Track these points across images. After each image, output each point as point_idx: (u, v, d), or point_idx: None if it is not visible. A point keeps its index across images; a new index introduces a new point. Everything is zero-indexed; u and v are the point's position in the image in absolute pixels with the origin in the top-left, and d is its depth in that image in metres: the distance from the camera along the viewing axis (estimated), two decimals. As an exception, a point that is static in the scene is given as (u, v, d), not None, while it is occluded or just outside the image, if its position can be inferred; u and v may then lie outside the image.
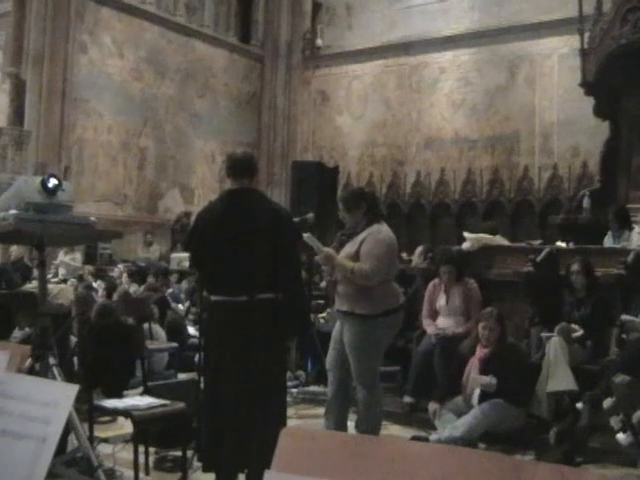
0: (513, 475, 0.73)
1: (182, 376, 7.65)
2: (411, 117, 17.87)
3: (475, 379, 6.17)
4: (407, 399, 7.16)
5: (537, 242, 8.78)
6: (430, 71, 17.71)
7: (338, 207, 5.66)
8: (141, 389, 5.41)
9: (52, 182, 4.30)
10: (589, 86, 11.10)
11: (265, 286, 4.36)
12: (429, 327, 7.38)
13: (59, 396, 1.07)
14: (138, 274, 11.88)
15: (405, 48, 17.86)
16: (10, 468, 1.00)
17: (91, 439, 4.62)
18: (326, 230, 7.73)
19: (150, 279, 11.49)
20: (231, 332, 4.35)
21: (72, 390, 1.09)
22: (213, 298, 4.46)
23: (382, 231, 5.38)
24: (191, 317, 10.06)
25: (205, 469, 4.57)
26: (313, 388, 7.99)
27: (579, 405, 5.94)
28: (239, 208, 4.48)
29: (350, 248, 5.34)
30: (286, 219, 4.61)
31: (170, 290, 11.50)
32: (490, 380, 6.05)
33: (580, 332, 6.71)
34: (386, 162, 18.01)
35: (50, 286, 7.62)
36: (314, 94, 19.58)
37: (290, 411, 6.76)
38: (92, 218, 4.80)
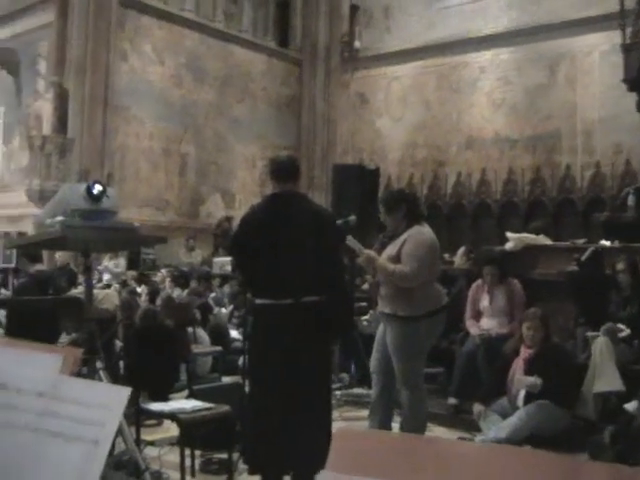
0: (568, 474, 0.72)
1: (226, 379, 7.68)
2: (451, 117, 17.78)
3: (520, 380, 6.10)
4: (451, 400, 7.12)
5: (581, 241, 8.67)
6: (470, 71, 17.61)
7: (379, 209, 5.65)
8: (186, 392, 5.44)
9: (97, 188, 4.40)
10: (631, 82, 10.95)
11: (310, 289, 4.36)
12: (473, 328, 7.34)
13: (112, 399, 1.08)
14: (181, 279, 11.93)
15: (443, 48, 17.77)
16: (62, 471, 1.02)
17: (138, 442, 4.66)
18: (367, 232, 7.69)
19: (193, 284, 11.56)
20: (276, 335, 4.35)
21: (124, 393, 1.10)
22: (258, 301, 4.47)
23: (423, 232, 5.36)
24: (235, 321, 10.08)
25: (251, 472, 4.57)
26: (357, 390, 7.97)
27: (627, 405, 5.85)
28: (283, 211, 4.48)
29: (391, 250, 5.33)
30: (330, 222, 4.61)
31: (213, 294, 11.54)
32: (535, 380, 5.98)
33: (626, 332, 6.62)
34: (426, 163, 17.95)
35: (95, 291, 7.68)
36: (353, 97, 19.57)
37: (334, 414, 6.74)
38: (136, 223, 4.91)
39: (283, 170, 4.57)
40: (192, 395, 5.33)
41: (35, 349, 1.30)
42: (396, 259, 5.23)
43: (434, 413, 6.46)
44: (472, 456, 0.76)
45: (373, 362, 5.56)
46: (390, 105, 18.82)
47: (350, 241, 5.34)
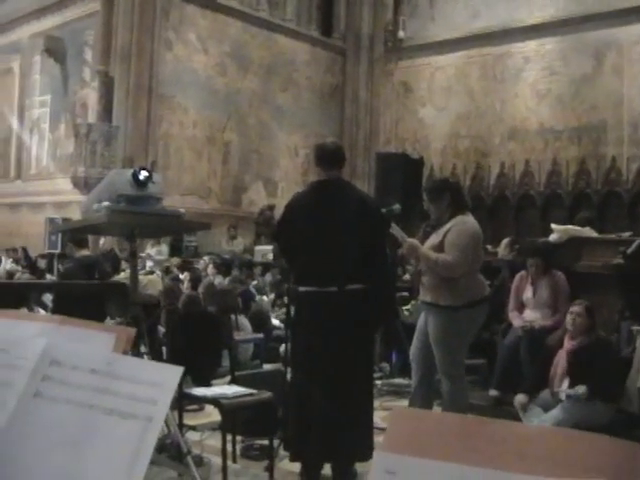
0: (628, 457, 0.71)
1: (267, 367, 7.70)
2: (495, 108, 17.61)
3: (562, 392, 6.01)
4: (493, 392, 7.07)
5: (627, 234, 8.54)
6: (514, 61, 17.41)
7: (423, 199, 5.61)
8: (228, 378, 5.48)
9: (143, 174, 4.47)
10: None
11: (353, 277, 4.35)
12: (516, 320, 7.27)
13: (165, 377, 1.10)
14: (223, 266, 12.01)
15: (488, 38, 17.59)
16: (118, 447, 1.03)
17: (180, 426, 4.70)
18: (411, 222, 7.66)
19: (235, 271, 11.63)
20: (319, 322, 4.34)
21: (177, 372, 1.12)
22: (301, 288, 4.46)
23: (467, 222, 5.32)
24: (277, 309, 10.12)
25: (292, 459, 4.60)
26: (397, 380, 7.96)
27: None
28: (328, 198, 4.47)
29: (435, 239, 5.31)
30: (374, 209, 4.60)
31: (254, 282, 11.59)
32: (577, 390, 5.87)
33: (673, 325, 6.52)
34: (469, 154, 17.82)
35: (139, 277, 7.76)
36: (397, 86, 19.48)
37: (374, 403, 6.78)
38: (182, 210, 4.93)
39: (329, 156, 4.55)
40: (234, 381, 5.35)
41: (89, 327, 1.31)
42: (439, 248, 5.20)
43: (475, 404, 6.40)
44: (529, 437, 0.75)
45: (413, 351, 5.55)
46: (434, 95, 18.70)
47: (394, 229, 5.29)
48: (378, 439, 4.46)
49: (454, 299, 5.16)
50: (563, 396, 6.00)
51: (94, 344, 1.27)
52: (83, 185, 14.84)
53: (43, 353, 1.15)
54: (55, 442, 1.08)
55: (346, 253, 4.37)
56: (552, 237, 7.96)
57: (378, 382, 7.75)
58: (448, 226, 5.27)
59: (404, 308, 8.85)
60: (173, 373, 1.13)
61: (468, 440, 0.74)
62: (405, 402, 5.97)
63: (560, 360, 6.17)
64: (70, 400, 1.10)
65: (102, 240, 13.34)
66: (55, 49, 17.81)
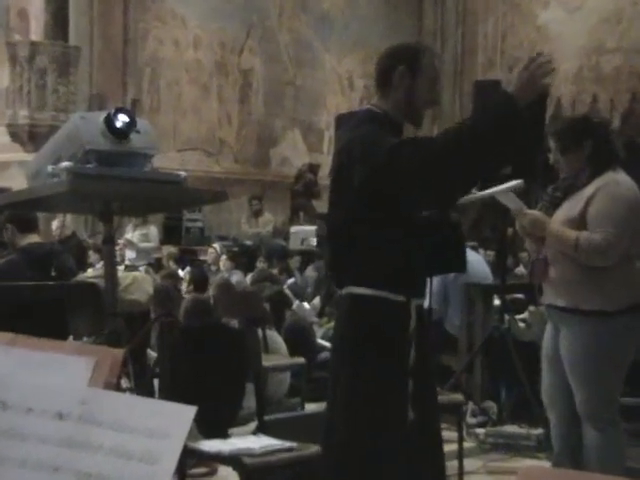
0: None
1: (311, 407, 7.72)
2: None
3: None
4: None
5: None
6: None
7: (547, 148, 5.74)
8: (254, 425, 5.58)
9: (121, 120, 4.50)
10: None
11: None
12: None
13: (169, 423, 1.09)
14: (243, 257, 12.05)
15: None
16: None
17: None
18: (528, 185, 7.59)
19: (261, 264, 11.71)
20: (401, 349, 4.22)
21: (187, 415, 1.11)
22: (370, 292, 4.34)
23: (620, 183, 5.34)
24: (325, 320, 10.22)
25: None
26: (510, 428, 7.88)
27: None
28: None
29: (569, 210, 5.32)
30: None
31: (291, 280, 11.64)
32: None
33: None
34: (620, 78, 17.74)
35: (119, 274, 7.80)
36: (504, -23, 19.42)
37: (474, 462, 6.80)
38: (181, 173, 4.97)
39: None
40: (262, 429, 5.40)
41: (53, 349, 1.31)
42: (578, 223, 5.20)
43: (634, 468, 6.31)
44: None
45: (546, 389, 5.57)
46: (562, -11, 18.58)
47: (502, 195, 5.33)
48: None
49: (605, 301, 5.16)
50: None
51: (62, 374, 1.25)
52: (27, 138, 14.94)
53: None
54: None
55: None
56: None
57: (479, 431, 7.78)
58: (591, 190, 5.25)
59: (518, 317, 8.81)
60: (181, 417, 1.11)
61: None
62: (522, 461, 5.94)
63: None
64: (25, 461, 1.09)
65: (58, 220, 13.34)
66: None
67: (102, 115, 4.56)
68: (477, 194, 4.99)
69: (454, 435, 6.46)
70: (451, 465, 5.82)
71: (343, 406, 4.19)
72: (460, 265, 4.59)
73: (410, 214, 4.07)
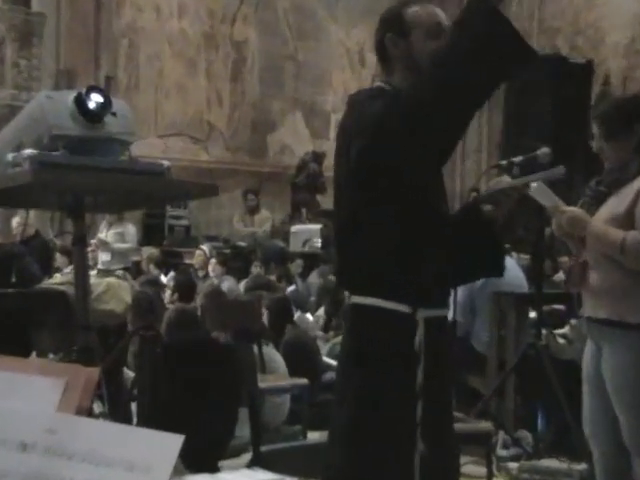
0: None
1: (314, 436, 7.81)
2: None
3: None
4: None
5: None
6: None
7: (591, 133, 5.62)
8: (248, 457, 5.72)
9: (95, 100, 4.43)
10: None
11: None
12: None
13: (152, 453, 1.08)
14: (236, 261, 12.14)
15: None
16: None
17: None
18: (568, 175, 7.54)
19: (256, 269, 11.87)
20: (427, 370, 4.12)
21: (174, 444, 1.10)
22: (388, 305, 4.13)
23: (674, 176, 5.40)
24: (331, 334, 10.31)
25: None
26: (548, 462, 7.86)
27: None
28: None
29: (615, 206, 5.33)
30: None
31: (291, 288, 11.76)
32: None
33: None
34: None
35: (92, 280, 7.85)
36: None
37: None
38: (164, 162, 4.94)
39: None
40: (258, 461, 5.39)
41: (14, 368, 1.34)
42: (624, 221, 5.20)
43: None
44: None
45: (587, 416, 5.55)
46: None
47: (538, 191, 5.27)
48: None
49: (654, 313, 5.16)
50: None
51: (25, 398, 1.27)
52: (-18, 119, 14.89)
53: None
54: None
55: None
56: None
57: (512, 465, 7.76)
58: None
59: (557, 333, 8.81)
60: (166, 447, 1.10)
61: None
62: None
63: None
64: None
65: (19, 217, 13.28)
66: None
67: (71, 94, 4.47)
68: (511, 181, 4.85)
69: (482, 470, 6.69)
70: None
71: (342, 435, 4.16)
72: (497, 268, 4.43)
73: (419, 208, 3.96)
